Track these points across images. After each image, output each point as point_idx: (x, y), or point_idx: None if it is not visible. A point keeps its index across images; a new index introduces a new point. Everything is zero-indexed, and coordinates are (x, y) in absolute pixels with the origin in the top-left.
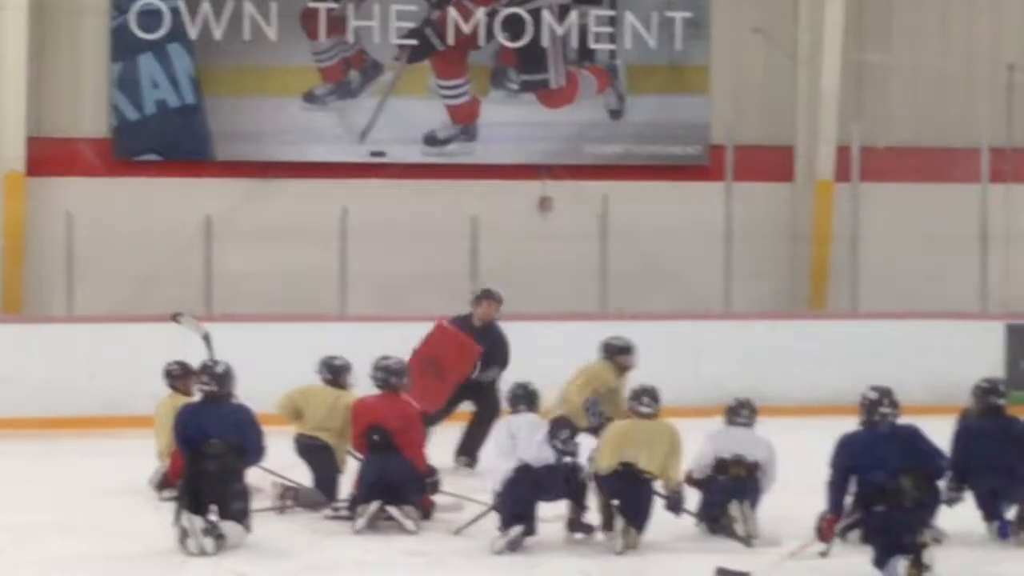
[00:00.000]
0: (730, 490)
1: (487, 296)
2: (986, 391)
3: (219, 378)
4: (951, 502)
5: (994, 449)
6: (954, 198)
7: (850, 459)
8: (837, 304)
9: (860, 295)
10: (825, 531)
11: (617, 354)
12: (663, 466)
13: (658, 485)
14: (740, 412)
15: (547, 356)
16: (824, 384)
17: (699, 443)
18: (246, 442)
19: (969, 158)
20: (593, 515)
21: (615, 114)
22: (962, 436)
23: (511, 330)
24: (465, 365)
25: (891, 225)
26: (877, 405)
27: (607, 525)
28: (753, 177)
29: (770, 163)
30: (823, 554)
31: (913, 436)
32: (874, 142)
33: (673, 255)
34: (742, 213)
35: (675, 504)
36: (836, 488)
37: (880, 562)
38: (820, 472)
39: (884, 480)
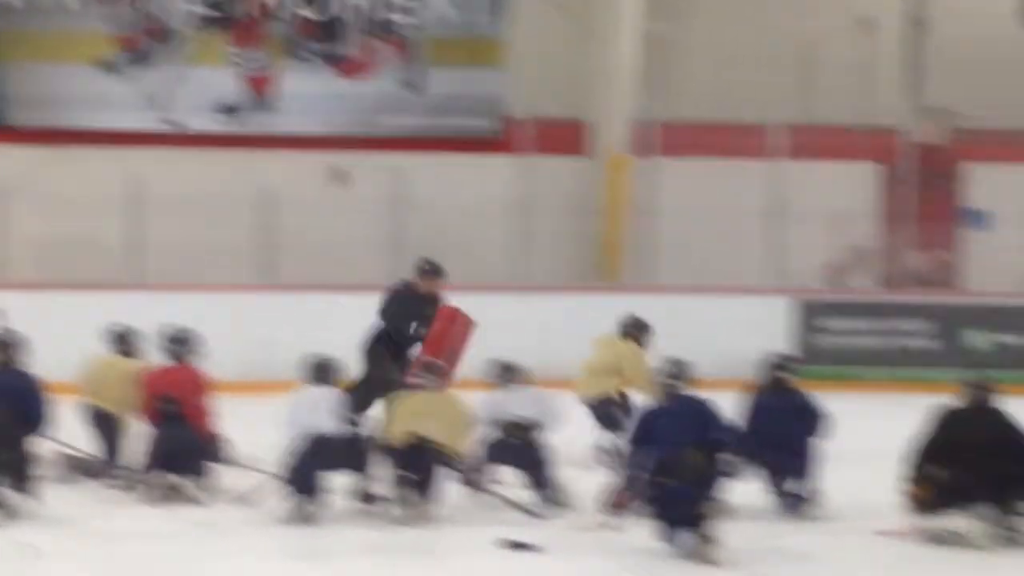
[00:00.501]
0: (512, 453)
1: (437, 273)
2: (774, 365)
3: (2, 345)
4: (736, 475)
5: (781, 423)
6: (750, 173)
7: (643, 432)
8: (632, 278)
9: (654, 269)
10: (618, 502)
11: (643, 332)
12: (453, 438)
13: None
14: (506, 375)
15: (343, 328)
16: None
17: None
18: (29, 410)
19: (763, 134)
20: (384, 487)
21: (413, 87)
22: (751, 410)
23: (312, 302)
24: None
25: (686, 200)
26: (667, 378)
27: (398, 497)
28: (550, 151)
29: (567, 137)
30: (611, 526)
31: (700, 410)
32: (670, 117)
33: (469, 228)
34: (539, 187)
35: (467, 476)
36: (632, 460)
37: (666, 535)
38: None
39: (669, 453)
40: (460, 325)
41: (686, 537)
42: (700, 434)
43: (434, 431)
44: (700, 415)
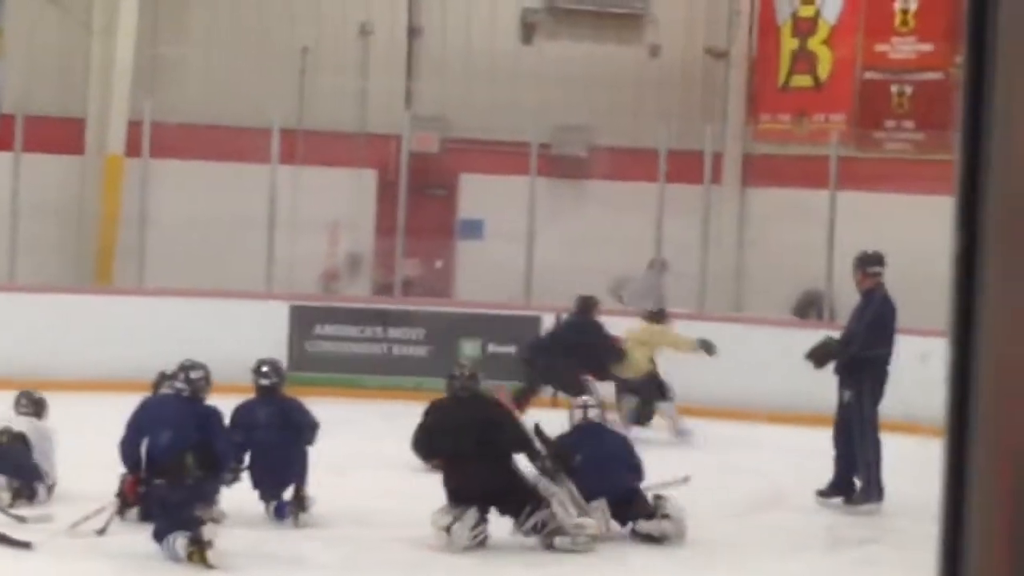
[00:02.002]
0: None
1: None
2: (263, 372)
3: None
4: (231, 481)
5: (270, 431)
6: (248, 178)
7: (140, 426)
8: (126, 281)
9: (149, 273)
10: (128, 492)
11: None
12: None
13: None
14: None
15: None
16: (113, 359)
17: None
18: None
19: (261, 139)
20: None
21: None
22: (243, 417)
23: None
24: None
25: (181, 204)
26: (169, 378)
27: None
28: (44, 148)
29: (61, 135)
30: (100, 532)
31: (202, 411)
32: (168, 118)
33: None
34: (31, 185)
35: None
36: (128, 451)
37: (159, 536)
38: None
39: (166, 455)
40: None
41: (180, 541)
42: (196, 436)
43: None
44: (199, 417)
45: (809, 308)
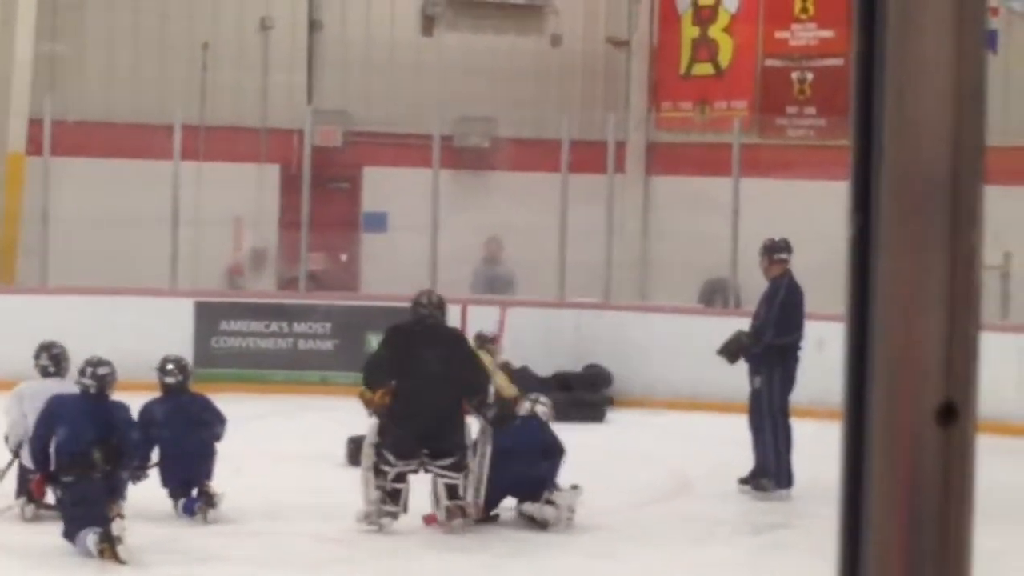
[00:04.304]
0: None
1: None
2: (166, 370)
3: None
4: (139, 478)
5: (177, 428)
6: (148, 175)
7: (48, 423)
8: (27, 280)
9: (52, 271)
10: (36, 490)
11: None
12: None
13: None
14: None
15: None
16: (15, 358)
17: None
18: None
19: (163, 135)
20: None
21: None
22: (145, 414)
23: None
24: None
25: (84, 201)
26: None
27: None
28: None
29: None
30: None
31: (110, 407)
32: (67, 116)
33: None
34: None
35: None
36: (37, 448)
37: (70, 534)
38: None
39: (74, 450)
40: None
41: (91, 538)
42: (107, 431)
43: None
44: (107, 411)
45: (714, 296)
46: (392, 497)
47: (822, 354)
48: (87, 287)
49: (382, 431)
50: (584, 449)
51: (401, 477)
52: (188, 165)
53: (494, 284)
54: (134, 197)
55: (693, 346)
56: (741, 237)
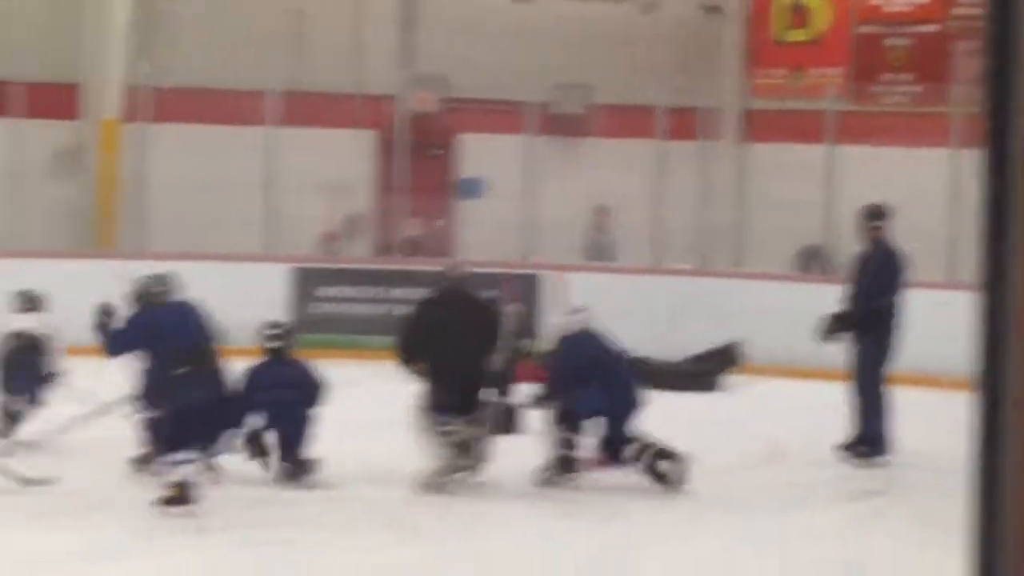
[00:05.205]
0: None
1: None
2: (271, 335)
3: None
4: (235, 443)
5: (279, 393)
6: (245, 141)
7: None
8: (126, 245)
9: (149, 236)
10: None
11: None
12: None
13: None
14: None
15: None
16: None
17: None
18: None
19: (259, 101)
20: None
21: None
22: (247, 379)
23: None
24: None
25: (180, 167)
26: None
27: None
28: (40, 114)
29: (57, 100)
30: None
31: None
32: (163, 82)
33: None
34: (29, 150)
35: None
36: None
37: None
38: None
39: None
40: None
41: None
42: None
43: None
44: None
45: (810, 262)
46: (462, 450)
47: (927, 320)
48: (185, 252)
49: (427, 395)
50: (682, 416)
51: (460, 433)
52: (284, 131)
53: (601, 252)
54: (230, 163)
55: (790, 313)
56: (836, 204)
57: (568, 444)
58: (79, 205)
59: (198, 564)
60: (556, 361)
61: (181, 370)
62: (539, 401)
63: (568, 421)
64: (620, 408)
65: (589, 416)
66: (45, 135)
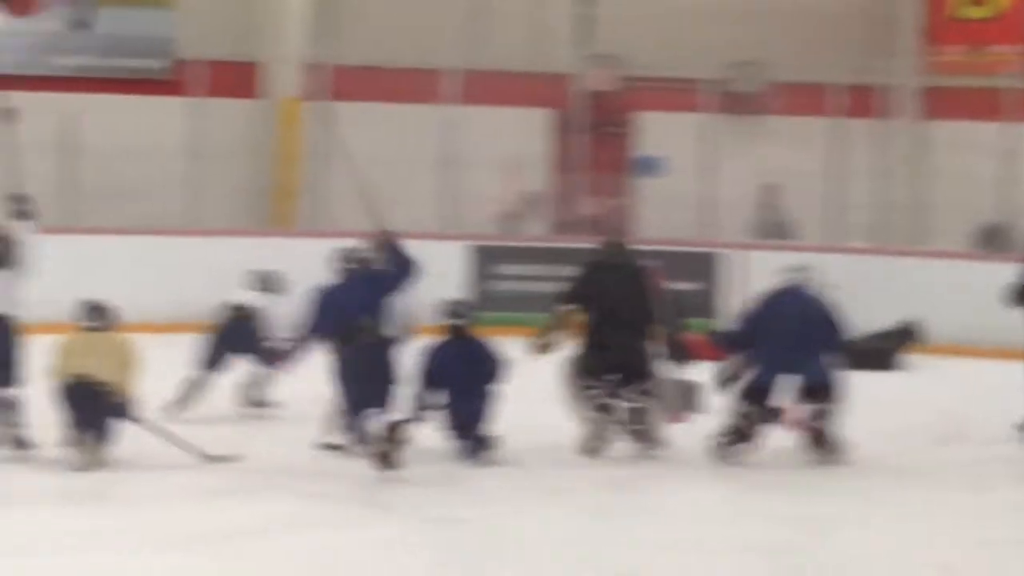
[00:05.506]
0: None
1: None
2: (451, 312)
3: None
4: (418, 421)
5: (460, 370)
6: (423, 119)
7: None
8: (306, 223)
9: (328, 214)
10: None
11: None
12: (117, 378)
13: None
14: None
15: None
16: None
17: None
18: None
19: (437, 79)
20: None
21: (80, 25)
22: (428, 357)
23: None
24: None
25: (358, 145)
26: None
27: (69, 440)
28: (220, 93)
29: (237, 79)
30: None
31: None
32: (342, 60)
33: (138, 171)
34: (208, 129)
35: (127, 413)
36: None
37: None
38: None
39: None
40: None
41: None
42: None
43: (96, 369)
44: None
45: (990, 240)
46: (606, 413)
47: None
48: (365, 230)
49: (577, 360)
50: (860, 394)
51: (605, 397)
52: (462, 109)
53: (772, 231)
54: (408, 141)
55: (968, 291)
56: (1015, 182)
57: (747, 416)
58: (259, 183)
59: (379, 540)
60: (751, 311)
61: (356, 342)
62: (725, 377)
63: (751, 394)
64: (806, 376)
65: (771, 382)
66: (226, 114)
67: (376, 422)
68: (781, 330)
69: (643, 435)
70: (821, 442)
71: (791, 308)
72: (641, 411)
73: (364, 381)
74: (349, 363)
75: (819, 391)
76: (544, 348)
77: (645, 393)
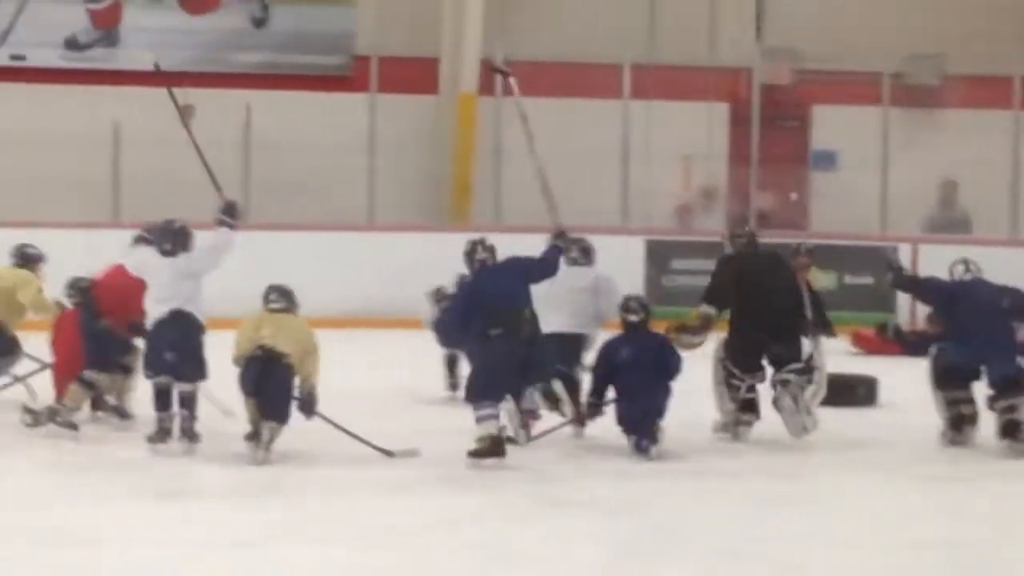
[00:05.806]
0: None
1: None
2: (629, 308)
3: None
4: (594, 415)
5: (636, 366)
6: (599, 113)
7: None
8: (480, 218)
9: (505, 209)
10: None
11: None
12: (300, 363)
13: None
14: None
15: None
16: None
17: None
18: None
19: (613, 74)
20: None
21: (259, 22)
22: (605, 352)
23: None
24: None
25: (537, 140)
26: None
27: (248, 432)
28: (398, 89)
29: (415, 75)
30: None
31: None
32: (519, 56)
33: (317, 166)
34: (386, 125)
35: (307, 406)
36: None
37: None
38: None
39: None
40: None
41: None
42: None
43: (280, 343)
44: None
45: None
46: (747, 407)
47: None
48: (539, 225)
49: (726, 347)
50: None
51: (752, 388)
52: (637, 104)
53: (949, 228)
54: (584, 136)
55: None
56: None
57: (955, 401)
58: (436, 178)
59: (560, 532)
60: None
61: (496, 331)
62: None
63: (950, 380)
64: (992, 364)
65: (966, 367)
66: (404, 110)
67: (494, 420)
68: (979, 319)
69: (794, 420)
70: (1016, 433)
71: (986, 298)
72: (793, 396)
73: (516, 372)
74: (507, 354)
75: (1014, 383)
76: (688, 346)
77: (798, 375)
